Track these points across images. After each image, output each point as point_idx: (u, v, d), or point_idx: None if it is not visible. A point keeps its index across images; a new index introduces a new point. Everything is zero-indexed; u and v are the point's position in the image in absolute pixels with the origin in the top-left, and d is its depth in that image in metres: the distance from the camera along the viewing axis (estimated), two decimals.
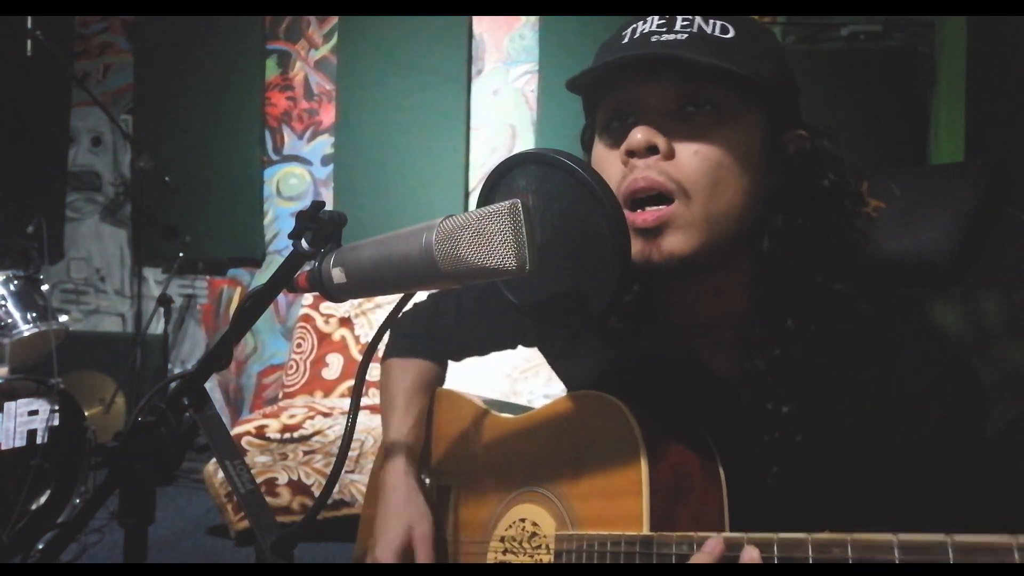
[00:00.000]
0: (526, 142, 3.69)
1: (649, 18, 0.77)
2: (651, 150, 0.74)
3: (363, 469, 2.69)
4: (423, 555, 0.96)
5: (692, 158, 0.73)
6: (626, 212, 0.72)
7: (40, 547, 2.40)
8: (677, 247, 0.73)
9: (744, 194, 0.75)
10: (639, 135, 0.73)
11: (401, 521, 0.98)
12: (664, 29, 0.75)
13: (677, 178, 0.73)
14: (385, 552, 0.96)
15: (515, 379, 3.06)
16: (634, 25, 0.78)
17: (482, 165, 3.71)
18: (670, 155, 0.74)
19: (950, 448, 0.74)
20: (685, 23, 0.75)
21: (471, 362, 1.18)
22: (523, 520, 0.89)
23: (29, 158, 3.90)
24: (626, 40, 0.77)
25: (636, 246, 0.73)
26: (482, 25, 3.74)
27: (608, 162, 0.78)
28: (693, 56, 0.72)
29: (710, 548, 0.65)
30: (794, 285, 0.77)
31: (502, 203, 0.58)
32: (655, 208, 0.73)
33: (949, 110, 3.01)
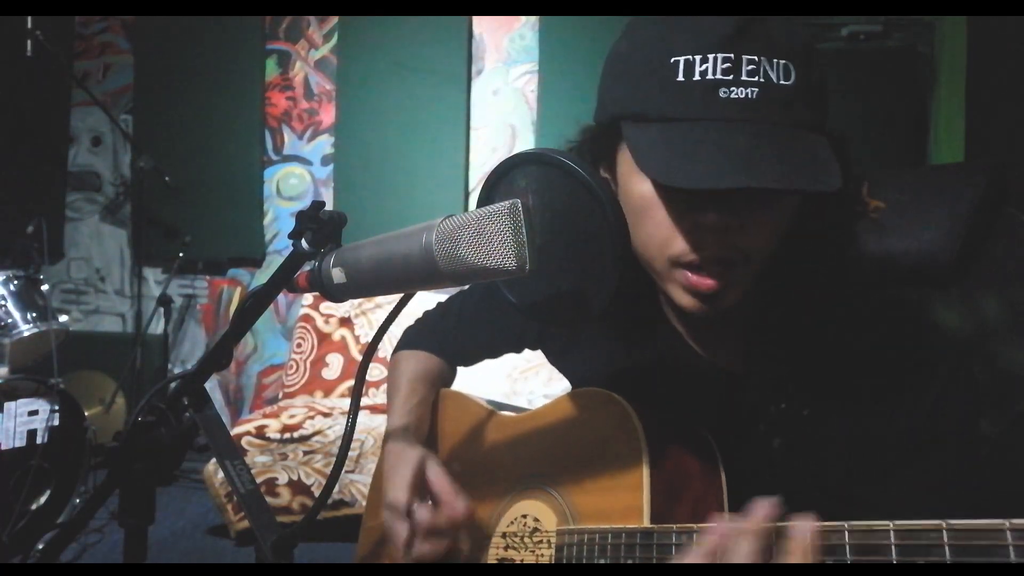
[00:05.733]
0: (526, 142, 3.69)
1: (711, 56, 0.66)
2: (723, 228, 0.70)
3: (363, 469, 2.69)
4: (439, 485, 0.92)
5: (761, 229, 0.71)
6: (679, 272, 0.72)
7: (40, 547, 2.40)
8: (731, 301, 0.74)
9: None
10: (713, 217, 0.68)
11: (410, 461, 0.95)
12: (731, 78, 0.66)
13: (743, 246, 0.71)
14: (398, 489, 0.92)
15: (515, 379, 3.06)
16: (689, 58, 0.67)
17: (482, 165, 3.71)
18: (739, 230, 0.70)
19: (945, 436, 0.75)
20: (751, 66, 0.66)
21: None
22: (525, 516, 0.89)
23: (29, 158, 3.90)
24: (682, 78, 0.67)
25: (686, 301, 0.73)
26: (482, 25, 3.74)
27: (655, 209, 0.72)
28: (784, 186, 0.65)
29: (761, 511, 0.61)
30: (795, 282, 0.78)
31: (502, 203, 0.58)
32: (716, 274, 0.71)
33: (949, 110, 3.01)
